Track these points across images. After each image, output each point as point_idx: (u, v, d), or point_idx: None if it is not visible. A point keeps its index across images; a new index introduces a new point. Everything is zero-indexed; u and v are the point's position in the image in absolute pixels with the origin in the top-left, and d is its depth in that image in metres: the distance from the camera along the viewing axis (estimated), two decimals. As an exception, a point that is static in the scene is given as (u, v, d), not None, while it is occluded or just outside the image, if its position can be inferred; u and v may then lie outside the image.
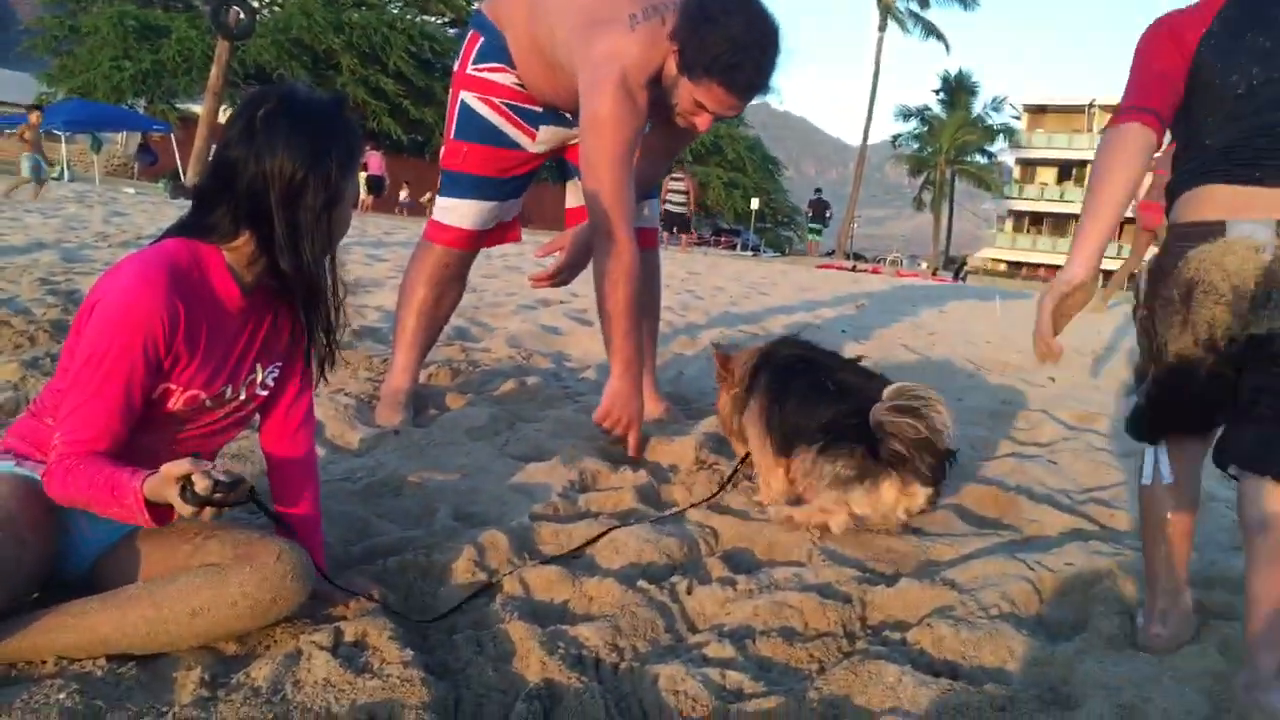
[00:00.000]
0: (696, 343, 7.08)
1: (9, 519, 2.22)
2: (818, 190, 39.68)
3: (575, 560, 3.08)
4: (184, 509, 2.22)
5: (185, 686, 2.22)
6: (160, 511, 2.21)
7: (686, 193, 28.30)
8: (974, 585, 2.92)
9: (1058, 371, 6.76)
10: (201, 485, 2.20)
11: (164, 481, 2.18)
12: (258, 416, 2.70)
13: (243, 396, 2.49)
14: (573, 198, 4.61)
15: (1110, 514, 3.75)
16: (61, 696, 2.04)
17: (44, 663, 2.23)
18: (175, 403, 2.37)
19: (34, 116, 20.63)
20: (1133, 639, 2.67)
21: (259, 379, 2.51)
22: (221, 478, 2.28)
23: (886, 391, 3.09)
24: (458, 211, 4.42)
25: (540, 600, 2.80)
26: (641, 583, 2.86)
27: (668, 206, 28.01)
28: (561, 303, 8.57)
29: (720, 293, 10.98)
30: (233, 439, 2.62)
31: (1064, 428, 5.13)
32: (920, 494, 3.14)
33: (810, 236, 41.62)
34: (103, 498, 2.20)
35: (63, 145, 31.29)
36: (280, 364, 2.57)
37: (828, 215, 39.20)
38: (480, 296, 8.78)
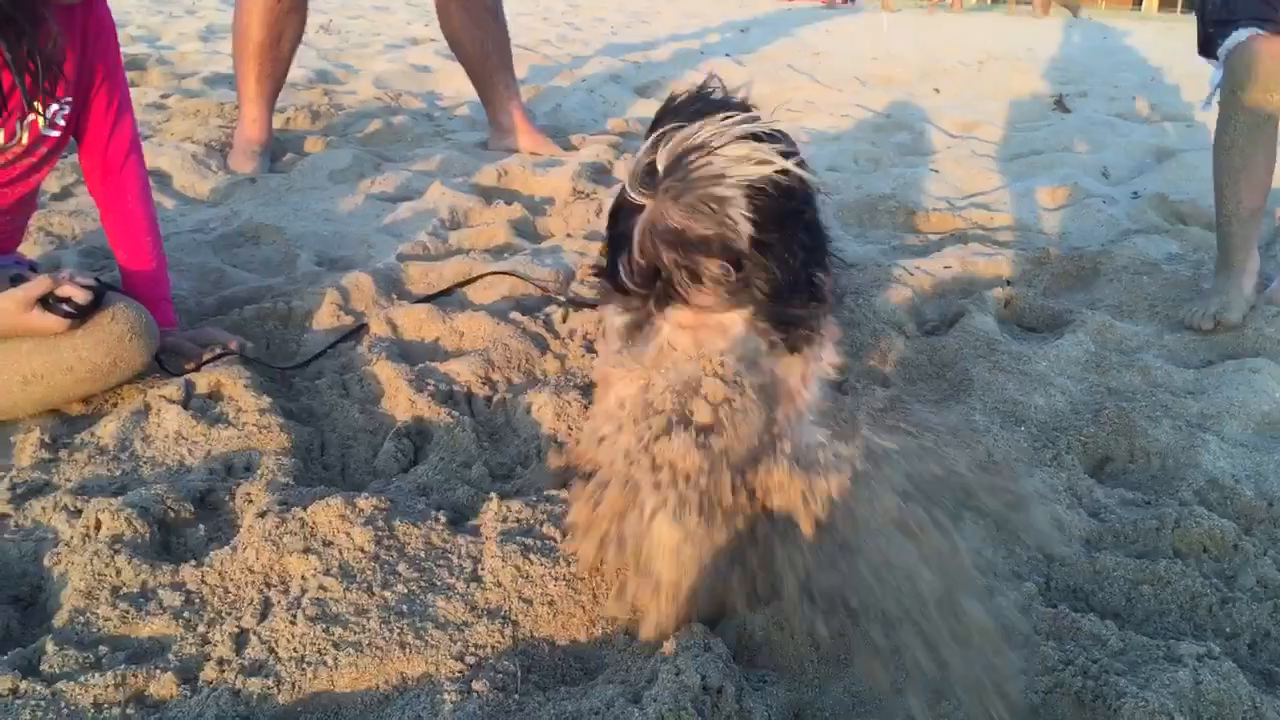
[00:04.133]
0: (575, 75, 6.75)
1: None
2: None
3: (446, 298, 2.95)
4: (61, 325, 2.09)
5: (24, 450, 2.08)
6: None
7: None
8: (856, 290, 2.87)
9: (942, 82, 6.63)
10: (83, 295, 2.10)
11: (15, 307, 2.05)
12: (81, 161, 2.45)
13: (25, 140, 2.22)
14: None
15: (990, 216, 3.72)
16: (-120, 470, 1.90)
17: None
18: None
19: None
20: (1006, 339, 2.67)
21: (41, 119, 2.22)
22: (91, 282, 2.13)
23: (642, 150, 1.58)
24: None
25: (409, 340, 2.68)
26: (514, 315, 2.75)
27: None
28: (432, 40, 8.07)
29: (601, 23, 10.48)
30: (32, 188, 2.37)
31: (947, 136, 5.05)
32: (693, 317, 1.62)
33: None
34: None
35: None
36: (71, 99, 2.29)
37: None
38: (345, 38, 8.24)
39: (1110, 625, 1.56)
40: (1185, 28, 12.80)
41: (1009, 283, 2.99)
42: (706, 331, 1.66)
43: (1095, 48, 9.22)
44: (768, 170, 1.47)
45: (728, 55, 7.87)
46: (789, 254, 1.58)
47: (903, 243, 3.47)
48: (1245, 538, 1.82)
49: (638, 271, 1.60)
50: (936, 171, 4.34)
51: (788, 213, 1.55)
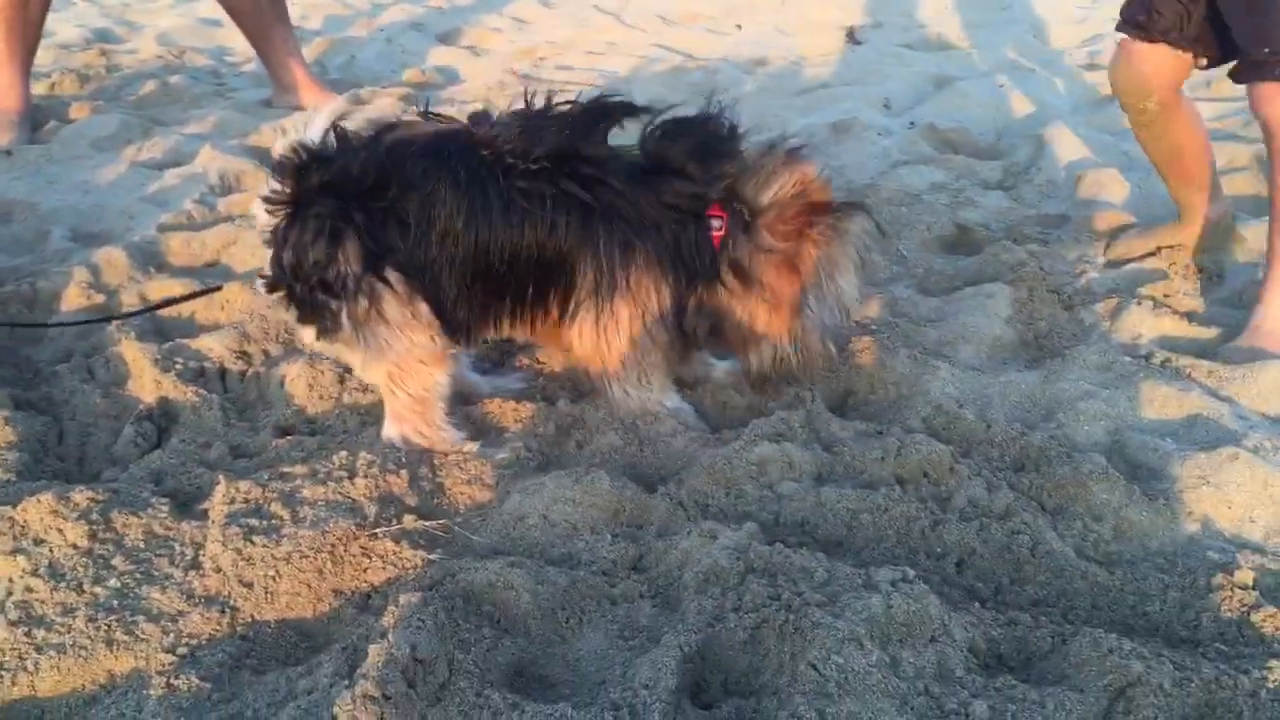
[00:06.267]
0: (373, 23, 6.56)
1: None
2: None
3: (210, 268, 2.87)
4: None
5: None
6: None
7: None
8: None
9: (745, 16, 6.67)
10: None
11: None
12: None
13: None
14: None
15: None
16: None
17: None
18: None
19: None
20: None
21: None
22: None
23: None
24: None
25: (163, 316, 2.58)
26: (276, 283, 2.67)
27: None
28: (225, -9, 7.72)
29: (410, -34, 10.19)
30: None
31: (740, 73, 5.09)
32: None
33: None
34: None
35: None
36: None
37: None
38: (131, -8, 7.83)
39: (820, 558, 1.62)
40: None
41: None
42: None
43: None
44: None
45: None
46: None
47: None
48: (962, 461, 1.90)
49: None
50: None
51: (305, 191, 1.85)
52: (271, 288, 1.91)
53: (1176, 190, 2.77)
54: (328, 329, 1.90)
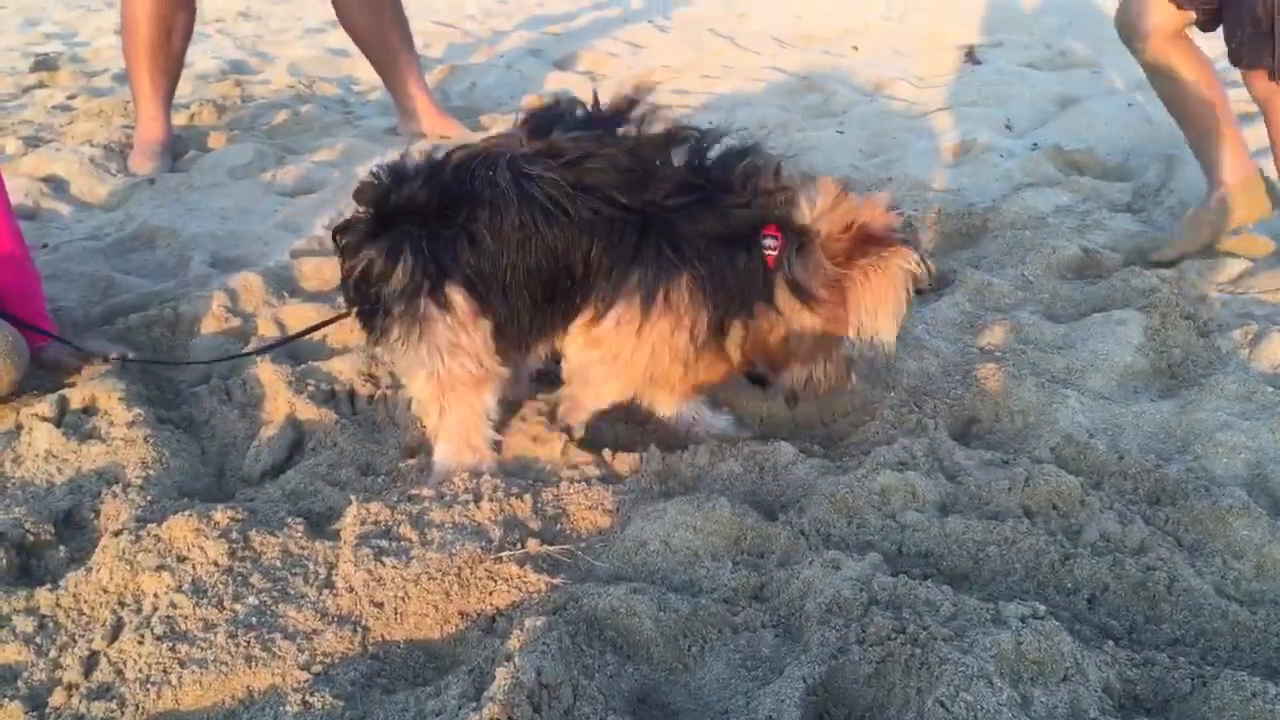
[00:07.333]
0: (493, 50, 6.70)
1: None
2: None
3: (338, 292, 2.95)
4: None
5: (-106, 479, 2.07)
6: None
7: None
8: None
9: (862, 38, 6.62)
10: None
11: None
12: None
13: None
14: None
15: (889, 176, 3.74)
16: None
17: None
18: None
19: None
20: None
21: None
22: None
23: None
24: None
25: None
26: (403, 307, 2.75)
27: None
28: (351, 22, 7.96)
29: (529, -7, 10.38)
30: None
31: (858, 95, 5.06)
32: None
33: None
34: None
35: None
36: None
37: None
38: (264, 24, 8.12)
39: (946, 590, 1.59)
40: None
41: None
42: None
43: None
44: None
45: (650, 21, 7.82)
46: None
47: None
48: (1093, 493, 1.86)
49: None
50: (841, 133, 4.35)
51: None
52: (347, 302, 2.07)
53: (1194, 144, 2.95)
54: (382, 341, 2.02)
